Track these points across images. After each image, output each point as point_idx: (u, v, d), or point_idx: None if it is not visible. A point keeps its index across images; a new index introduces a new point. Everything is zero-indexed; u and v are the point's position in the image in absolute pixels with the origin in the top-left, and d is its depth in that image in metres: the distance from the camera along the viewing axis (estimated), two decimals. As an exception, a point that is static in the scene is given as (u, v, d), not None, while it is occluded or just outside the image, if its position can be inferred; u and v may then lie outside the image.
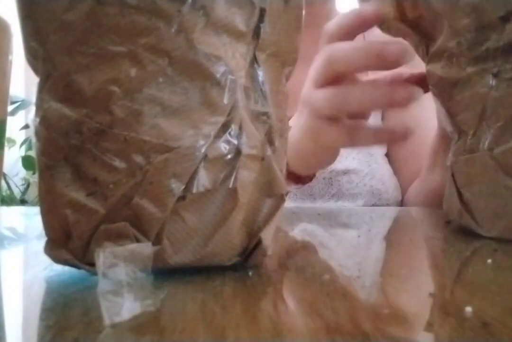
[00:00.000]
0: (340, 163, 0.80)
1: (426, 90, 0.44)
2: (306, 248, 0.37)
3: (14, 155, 1.85)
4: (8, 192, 1.88)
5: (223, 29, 0.28)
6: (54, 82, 0.27)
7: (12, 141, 1.86)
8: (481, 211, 0.40)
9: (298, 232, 0.46)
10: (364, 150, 0.82)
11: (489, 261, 0.32)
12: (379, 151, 0.85)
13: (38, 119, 0.28)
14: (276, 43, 0.30)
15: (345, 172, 0.80)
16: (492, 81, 0.38)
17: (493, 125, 0.39)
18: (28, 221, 0.58)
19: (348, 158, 0.81)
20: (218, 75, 0.27)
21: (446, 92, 0.42)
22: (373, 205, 0.80)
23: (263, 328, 0.20)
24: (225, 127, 0.28)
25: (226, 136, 0.28)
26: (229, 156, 0.28)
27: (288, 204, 0.79)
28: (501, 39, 0.37)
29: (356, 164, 0.81)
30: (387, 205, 0.80)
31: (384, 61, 0.42)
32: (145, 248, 0.26)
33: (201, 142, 0.27)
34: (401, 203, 0.84)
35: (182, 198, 0.27)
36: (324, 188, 0.80)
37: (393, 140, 0.57)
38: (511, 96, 0.38)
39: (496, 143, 0.39)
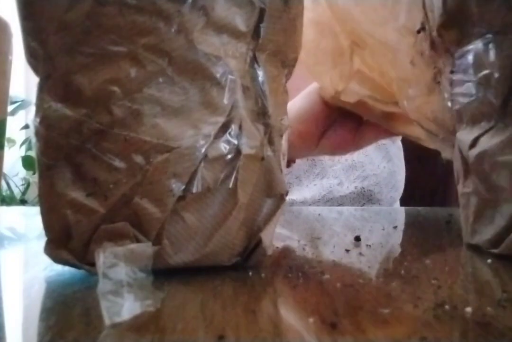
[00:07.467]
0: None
1: None
2: (306, 248, 0.37)
3: (14, 155, 1.85)
4: (8, 192, 1.87)
5: (223, 29, 0.28)
6: (54, 82, 0.27)
7: (12, 141, 1.85)
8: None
9: (297, 232, 0.46)
10: None
11: (489, 261, 0.32)
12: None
13: (38, 120, 0.28)
14: (276, 43, 0.30)
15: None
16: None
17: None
18: (28, 221, 0.58)
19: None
20: (218, 75, 0.27)
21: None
22: (363, 188, 0.82)
23: (263, 328, 0.20)
24: (225, 127, 0.28)
25: (226, 136, 0.28)
26: (229, 156, 0.28)
27: None
28: None
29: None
30: (377, 184, 0.82)
31: None
32: (145, 248, 0.26)
33: (201, 142, 0.27)
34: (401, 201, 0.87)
35: (182, 197, 0.27)
36: (309, 169, 0.84)
37: None
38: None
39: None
